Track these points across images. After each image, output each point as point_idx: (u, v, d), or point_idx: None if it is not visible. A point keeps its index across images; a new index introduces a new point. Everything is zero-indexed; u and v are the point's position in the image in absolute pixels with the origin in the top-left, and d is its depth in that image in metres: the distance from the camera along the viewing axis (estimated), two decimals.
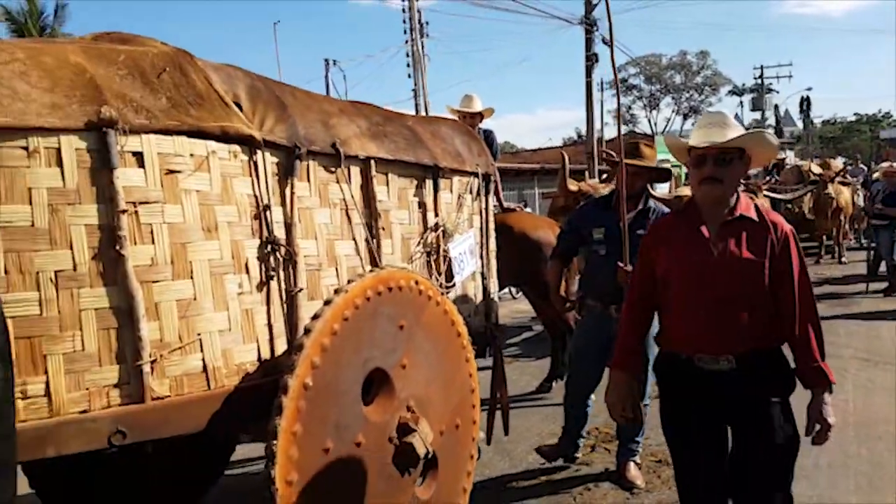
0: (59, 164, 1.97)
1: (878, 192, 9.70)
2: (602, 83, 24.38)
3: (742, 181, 3.28)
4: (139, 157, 2.12)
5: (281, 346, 2.47)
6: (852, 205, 13.07)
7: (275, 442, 2.10)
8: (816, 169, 12.84)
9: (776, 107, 45.48)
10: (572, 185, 6.69)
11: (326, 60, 19.19)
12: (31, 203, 1.92)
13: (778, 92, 45.54)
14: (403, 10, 21.79)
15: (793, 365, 2.25)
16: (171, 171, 2.19)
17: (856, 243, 14.43)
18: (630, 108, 41.55)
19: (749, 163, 2.28)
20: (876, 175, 12.79)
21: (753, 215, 2.23)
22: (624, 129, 40.23)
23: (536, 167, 20.45)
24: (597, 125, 20.45)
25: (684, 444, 2.32)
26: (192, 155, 2.24)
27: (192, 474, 3.43)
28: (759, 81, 42.66)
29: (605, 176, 8.28)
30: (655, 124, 41.39)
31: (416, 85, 20.81)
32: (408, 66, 21.82)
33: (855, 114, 56.17)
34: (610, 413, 2.44)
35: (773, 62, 41.04)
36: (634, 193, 3.68)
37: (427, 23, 22.41)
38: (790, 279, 2.18)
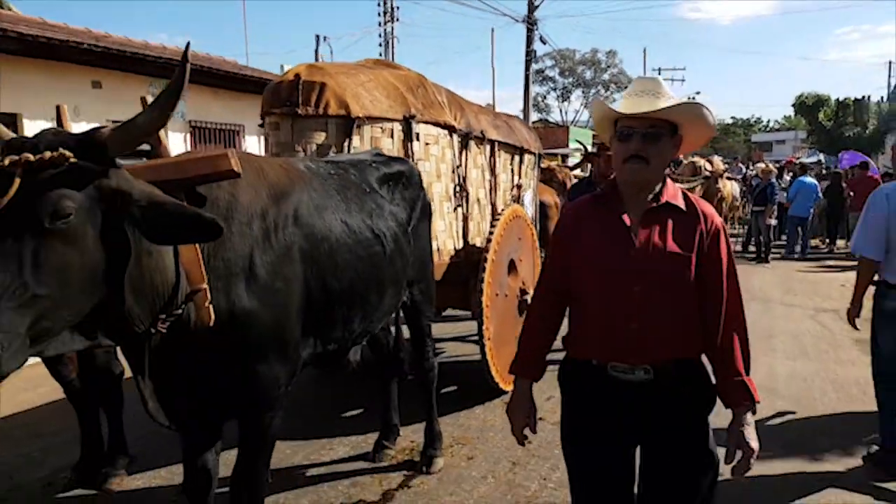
0: (392, 137, 3.88)
1: (756, 185, 13.00)
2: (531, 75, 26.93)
3: None
4: (417, 136, 4.04)
5: (460, 244, 4.48)
6: (732, 197, 16.35)
7: (482, 283, 4.14)
8: (709, 166, 15.93)
9: None
10: (542, 164, 9.09)
11: (317, 36, 21.99)
12: None
13: None
14: None
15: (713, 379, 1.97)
16: (427, 144, 4.13)
17: (731, 228, 17.77)
18: (545, 97, 44.66)
19: (680, 143, 1.92)
20: (753, 172, 16.22)
21: (681, 203, 1.93)
22: (537, 116, 43.29)
23: None
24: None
25: (588, 466, 2.00)
26: (432, 135, 4.19)
27: None
28: None
29: (576, 162, 10.76)
30: (566, 114, 44.78)
31: None
32: (380, 45, 24.23)
33: (732, 117, 62.26)
34: (513, 431, 2.10)
35: (669, 65, 45.46)
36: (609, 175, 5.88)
37: (398, 7, 24.65)
38: (718, 279, 1.91)
